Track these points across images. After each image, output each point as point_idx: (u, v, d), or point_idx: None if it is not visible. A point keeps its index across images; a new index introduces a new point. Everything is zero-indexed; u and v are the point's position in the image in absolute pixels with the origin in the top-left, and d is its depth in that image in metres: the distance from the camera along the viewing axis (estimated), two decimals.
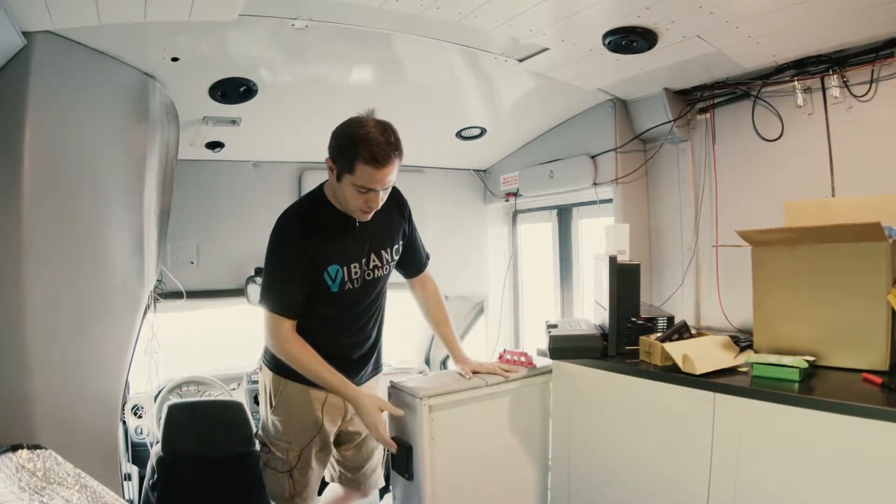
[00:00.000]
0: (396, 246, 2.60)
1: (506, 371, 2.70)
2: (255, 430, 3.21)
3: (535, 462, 2.85)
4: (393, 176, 2.26)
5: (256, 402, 4.29)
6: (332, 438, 2.68)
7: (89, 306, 2.52)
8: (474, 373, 2.66)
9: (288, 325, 2.38)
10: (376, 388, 2.76)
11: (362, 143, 2.16)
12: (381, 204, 2.33)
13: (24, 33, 2.22)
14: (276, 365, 2.53)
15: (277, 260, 2.39)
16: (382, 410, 2.42)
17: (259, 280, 3.92)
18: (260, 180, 4.19)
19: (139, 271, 2.84)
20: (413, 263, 2.76)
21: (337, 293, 2.42)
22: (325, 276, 2.38)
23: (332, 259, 2.38)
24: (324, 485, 2.86)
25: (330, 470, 2.82)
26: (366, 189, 2.23)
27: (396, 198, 2.58)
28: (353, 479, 2.82)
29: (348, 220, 2.42)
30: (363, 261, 2.47)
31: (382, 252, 2.53)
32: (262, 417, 2.68)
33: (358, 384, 2.57)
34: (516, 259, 5.06)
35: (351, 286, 2.44)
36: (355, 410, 2.43)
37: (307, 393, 2.54)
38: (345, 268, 2.40)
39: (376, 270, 2.52)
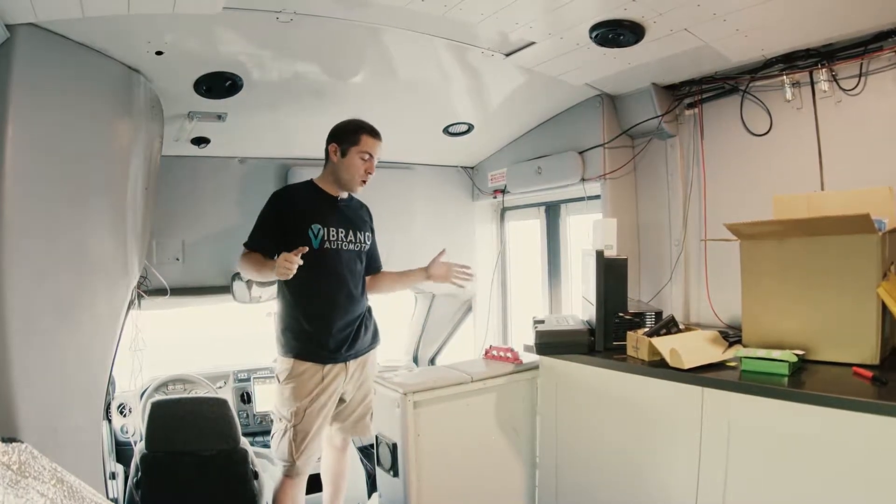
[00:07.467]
0: (367, 233, 3.11)
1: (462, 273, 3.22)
2: (240, 427, 3.19)
3: (522, 458, 2.84)
4: (381, 150, 2.96)
5: (243, 399, 4.29)
6: (335, 399, 2.90)
7: (71, 302, 2.49)
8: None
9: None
10: (375, 363, 3.08)
11: (362, 123, 2.93)
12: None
13: (7, 26, 2.19)
14: (287, 349, 2.88)
15: (261, 214, 2.94)
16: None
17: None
18: (246, 176, 4.15)
19: (122, 267, 2.81)
20: (371, 264, 3.18)
21: (318, 251, 2.84)
22: (310, 233, 2.85)
23: (315, 219, 2.88)
24: (313, 484, 2.86)
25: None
26: (368, 155, 2.90)
27: (367, 208, 3.20)
28: (345, 426, 3.03)
29: (331, 200, 2.99)
30: (341, 231, 2.95)
31: (357, 232, 3.02)
32: (276, 398, 2.92)
33: (358, 354, 2.92)
34: (504, 256, 5.05)
35: (330, 247, 2.90)
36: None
37: (313, 365, 2.83)
38: (325, 228, 2.89)
39: (351, 244, 2.98)
